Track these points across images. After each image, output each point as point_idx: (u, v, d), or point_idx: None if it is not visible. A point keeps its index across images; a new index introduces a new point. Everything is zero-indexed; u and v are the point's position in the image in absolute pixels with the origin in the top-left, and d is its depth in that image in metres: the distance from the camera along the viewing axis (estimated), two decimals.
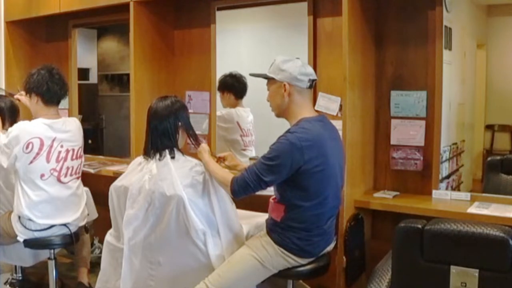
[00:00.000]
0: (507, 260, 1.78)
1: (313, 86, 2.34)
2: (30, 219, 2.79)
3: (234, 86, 3.68)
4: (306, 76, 2.28)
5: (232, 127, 3.72)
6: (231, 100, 3.72)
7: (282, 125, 2.35)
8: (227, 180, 2.27)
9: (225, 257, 2.36)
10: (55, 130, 2.86)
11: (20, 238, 2.83)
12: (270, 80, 2.33)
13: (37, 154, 2.78)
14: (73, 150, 2.94)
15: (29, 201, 2.78)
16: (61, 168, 2.87)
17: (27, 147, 2.76)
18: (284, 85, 2.27)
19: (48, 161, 2.82)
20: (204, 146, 2.51)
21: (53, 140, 2.84)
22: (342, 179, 2.43)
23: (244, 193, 2.24)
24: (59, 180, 2.87)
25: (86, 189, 3.18)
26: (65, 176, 2.90)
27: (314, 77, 2.32)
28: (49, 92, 2.87)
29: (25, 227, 2.81)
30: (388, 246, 2.16)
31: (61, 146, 2.87)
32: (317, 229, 2.28)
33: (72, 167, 2.94)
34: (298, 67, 2.27)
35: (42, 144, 2.79)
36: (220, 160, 2.56)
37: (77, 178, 3.01)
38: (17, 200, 2.82)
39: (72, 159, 2.93)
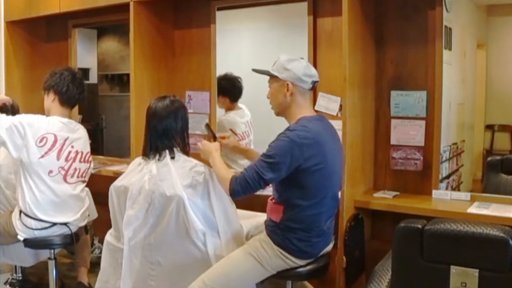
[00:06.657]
0: (507, 260, 1.78)
1: (314, 87, 2.33)
2: (31, 217, 2.79)
3: (228, 91, 3.67)
4: (309, 77, 2.27)
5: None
6: (226, 103, 3.72)
7: (282, 122, 2.35)
8: (227, 179, 2.24)
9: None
10: (69, 130, 2.90)
11: (20, 237, 2.83)
12: (272, 77, 2.32)
13: (49, 150, 2.81)
14: (82, 153, 2.97)
15: (33, 197, 2.79)
16: (69, 168, 2.90)
17: (40, 141, 2.79)
18: (287, 84, 2.26)
19: (58, 158, 2.85)
20: (212, 144, 2.47)
21: (66, 139, 2.88)
22: (341, 179, 2.43)
23: (243, 192, 2.20)
24: (65, 180, 2.89)
25: (86, 189, 3.18)
26: (72, 176, 2.92)
27: (316, 78, 2.31)
28: (68, 93, 2.93)
29: (25, 225, 2.81)
30: (388, 246, 2.16)
31: (72, 147, 2.91)
32: (316, 230, 2.27)
33: (79, 169, 2.96)
34: (303, 67, 2.26)
35: (55, 141, 2.83)
36: (222, 138, 2.58)
37: (83, 182, 3.03)
38: (21, 195, 2.82)
39: (80, 161, 2.96)
